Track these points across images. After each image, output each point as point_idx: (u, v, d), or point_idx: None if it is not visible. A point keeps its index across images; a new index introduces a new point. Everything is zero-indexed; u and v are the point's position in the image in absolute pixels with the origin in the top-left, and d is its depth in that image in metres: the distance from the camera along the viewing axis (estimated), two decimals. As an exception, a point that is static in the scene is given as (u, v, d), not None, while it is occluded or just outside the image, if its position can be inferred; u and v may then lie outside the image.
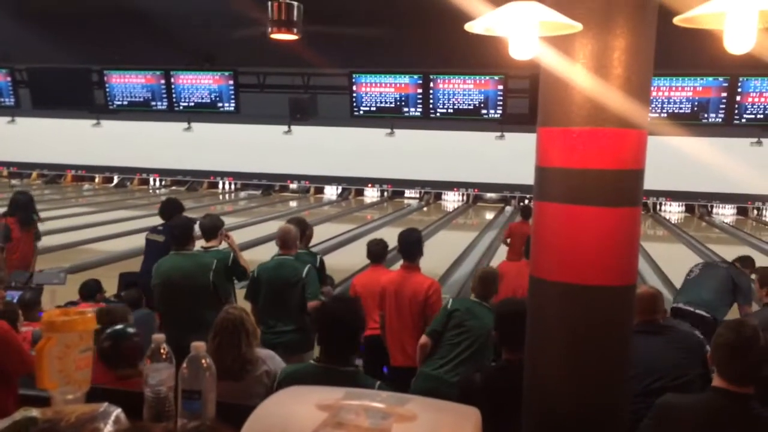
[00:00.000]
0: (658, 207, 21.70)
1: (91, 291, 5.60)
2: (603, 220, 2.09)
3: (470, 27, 1.91)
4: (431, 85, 9.32)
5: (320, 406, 1.62)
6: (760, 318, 3.71)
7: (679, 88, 8.52)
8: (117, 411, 1.56)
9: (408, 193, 23.55)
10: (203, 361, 1.69)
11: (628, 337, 2.23)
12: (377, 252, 4.97)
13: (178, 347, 1.80)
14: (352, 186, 23.81)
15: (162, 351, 1.72)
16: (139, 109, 10.74)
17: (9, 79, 10.99)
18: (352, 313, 2.70)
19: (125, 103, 10.59)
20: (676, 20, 1.74)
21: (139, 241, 12.16)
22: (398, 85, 9.53)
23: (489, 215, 19.87)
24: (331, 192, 24.33)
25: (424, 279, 4.48)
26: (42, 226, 11.95)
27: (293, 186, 24.37)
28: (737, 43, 1.65)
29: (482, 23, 1.89)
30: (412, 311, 4.34)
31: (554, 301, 2.18)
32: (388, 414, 1.61)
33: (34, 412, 1.55)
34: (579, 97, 2.05)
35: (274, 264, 4.76)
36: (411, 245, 4.55)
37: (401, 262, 4.72)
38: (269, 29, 5.18)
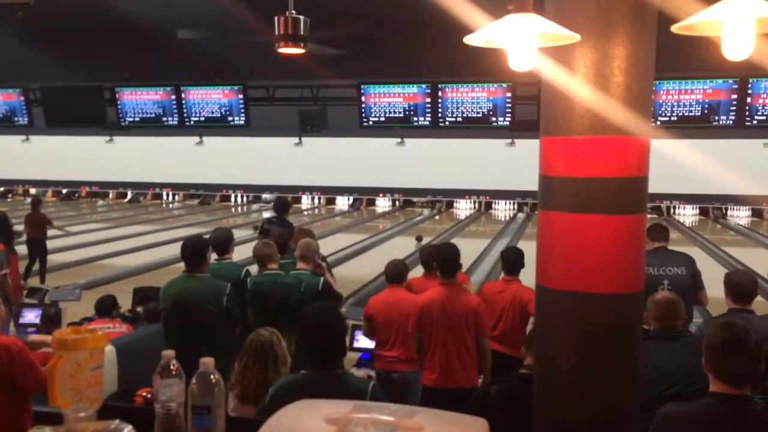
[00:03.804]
0: (671, 210, 21.55)
1: (107, 307, 5.65)
2: (608, 228, 2.10)
3: (469, 40, 1.92)
4: (439, 94, 9.33)
5: (329, 420, 1.64)
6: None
7: (689, 91, 8.47)
8: (128, 428, 1.58)
9: (419, 201, 23.58)
10: (212, 376, 1.71)
11: (636, 345, 2.22)
12: (395, 273, 4.81)
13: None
14: (364, 196, 23.87)
15: (172, 367, 1.74)
16: (151, 125, 10.84)
17: (22, 98, 11.13)
18: (335, 318, 2.73)
19: (137, 119, 10.70)
20: (675, 28, 1.74)
21: (152, 255, 12.28)
22: (407, 94, 9.55)
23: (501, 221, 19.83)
24: (342, 202, 24.40)
25: (472, 296, 4.34)
26: (58, 242, 12.12)
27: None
28: (735, 49, 1.66)
29: (481, 36, 1.91)
30: (464, 330, 4.17)
31: (561, 309, 2.18)
32: (396, 426, 1.62)
33: (47, 430, 1.58)
34: (580, 106, 2.06)
35: (292, 277, 4.78)
36: (452, 261, 4.32)
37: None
38: (276, 43, 5.20)
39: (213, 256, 5.17)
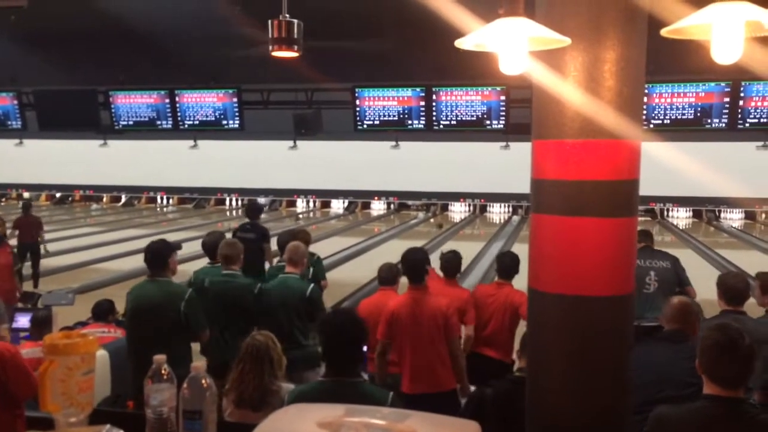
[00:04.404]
0: (665, 213, 21.64)
1: (103, 311, 5.60)
2: (600, 231, 2.10)
3: (460, 43, 1.93)
4: (434, 97, 9.34)
5: (321, 424, 1.63)
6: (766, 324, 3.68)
7: (682, 95, 8.50)
8: (119, 432, 1.58)
9: (414, 204, 23.62)
10: (203, 381, 1.70)
11: (627, 347, 2.22)
12: (388, 275, 4.77)
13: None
14: (359, 199, 23.88)
15: (163, 372, 1.73)
16: (144, 129, 10.82)
17: (16, 102, 11.09)
18: (355, 323, 2.68)
19: (131, 123, 10.67)
20: (664, 32, 1.75)
21: (146, 259, 12.23)
22: (401, 98, 9.56)
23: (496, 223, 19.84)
24: (337, 206, 24.42)
25: (441, 299, 4.22)
26: (51, 246, 12.09)
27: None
28: (725, 53, 1.67)
29: (472, 39, 1.91)
30: (434, 334, 4.07)
31: (553, 312, 2.18)
32: (388, 430, 1.62)
33: (38, 436, 1.58)
34: (571, 110, 2.06)
35: (279, 282, 4.76)
36: (419, 266, 4.22)
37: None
38: (270, 47, 5.20)
39: (206, 260, 5.17)
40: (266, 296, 4.68)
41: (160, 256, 4.27)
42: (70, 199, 26.47)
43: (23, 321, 6.00)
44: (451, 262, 4.92)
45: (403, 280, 5.10)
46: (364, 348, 4.71)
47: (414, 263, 4.25)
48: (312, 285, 4.72)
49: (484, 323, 4.78)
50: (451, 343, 4.15)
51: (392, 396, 2.60)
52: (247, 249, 5.16)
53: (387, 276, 4.75)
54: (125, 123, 10.67)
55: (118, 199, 26.08)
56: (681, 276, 5.35)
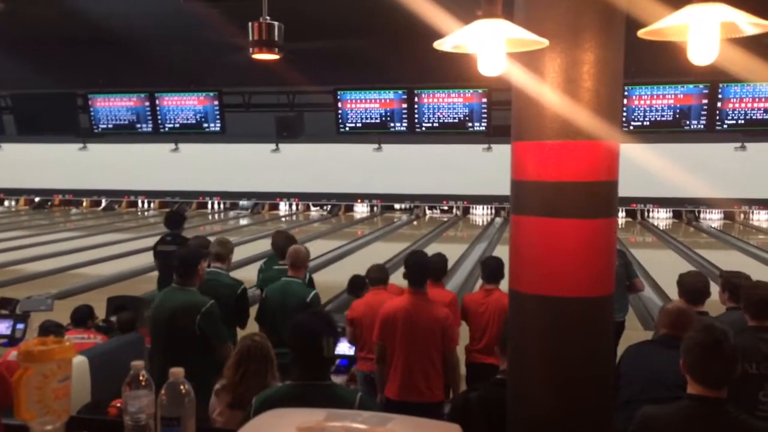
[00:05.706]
0: (645, 214, 21.86)
1: (82, 317, 5.53)
2: (579, 233, 2.11)
3: (439, 45, 1.93)
4: (416, 99, 9.36)
5: (301, 429, 1.62)
6: (726, 321, 3.71)
7: (661, 96, 8.59)
8: (95, 440, 1.56)
9: (398, 207, 23.66)
10: (181, 387, 1.68)
11: (607, 348, 2.23)
12: (380, 275, 4.77)
13: None
14: (342, 202, 23.86)
15: (141, 378, 1.71)
16: (124, 132, 10.71)
17: (-7, 105, 10.95)
18: (325, 326, 2.63)
19: (110, 126, 10.56)
20: (641, 33, 1.76)
21: (127, 264, 12.12)
22: (383, 100, 9.56)
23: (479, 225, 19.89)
24: (317, 209, 24.40)
25: (440, 308, 4.12)
26: (31, 252, 11.93)
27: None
28: (701, 54, 1.68)
29: (451, 41, 1.91)
30: (429, 343, 4.00)
31: (532, 314, 2.18)
32: (369, 434, 1.61)
33: (12, 444, 1.55)
34: (550, 111, 2.07)
35: (280, 285, 4.72)
36: (422, 269, 4.16)
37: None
38: (251, 49, 5.19)
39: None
40: (267, 298, 4.66)
41: (187, 264, 4.07)
42: (49, 203, 26.16)
43: (1, 327, 5.92)
44: (438, 265, 4.91)
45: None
46: (351, 350, 4.74)
47: (416, 265, 4.16)
48: (314, 291, 4.67)
49: (480, 334, 4.73)
50: (449, 355, 4.08)
51: (360, 396, 2.57)
52: (168, 264, 4.92)
53: (378, 276, 4.74)
54: (105, 126, 10.56)
55: (99, 203, 25.82)
56: (629, 270, 5.65)
